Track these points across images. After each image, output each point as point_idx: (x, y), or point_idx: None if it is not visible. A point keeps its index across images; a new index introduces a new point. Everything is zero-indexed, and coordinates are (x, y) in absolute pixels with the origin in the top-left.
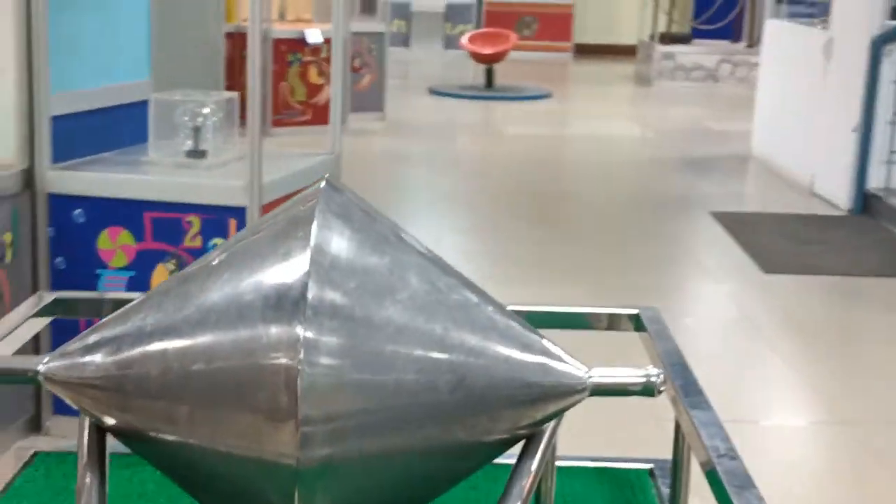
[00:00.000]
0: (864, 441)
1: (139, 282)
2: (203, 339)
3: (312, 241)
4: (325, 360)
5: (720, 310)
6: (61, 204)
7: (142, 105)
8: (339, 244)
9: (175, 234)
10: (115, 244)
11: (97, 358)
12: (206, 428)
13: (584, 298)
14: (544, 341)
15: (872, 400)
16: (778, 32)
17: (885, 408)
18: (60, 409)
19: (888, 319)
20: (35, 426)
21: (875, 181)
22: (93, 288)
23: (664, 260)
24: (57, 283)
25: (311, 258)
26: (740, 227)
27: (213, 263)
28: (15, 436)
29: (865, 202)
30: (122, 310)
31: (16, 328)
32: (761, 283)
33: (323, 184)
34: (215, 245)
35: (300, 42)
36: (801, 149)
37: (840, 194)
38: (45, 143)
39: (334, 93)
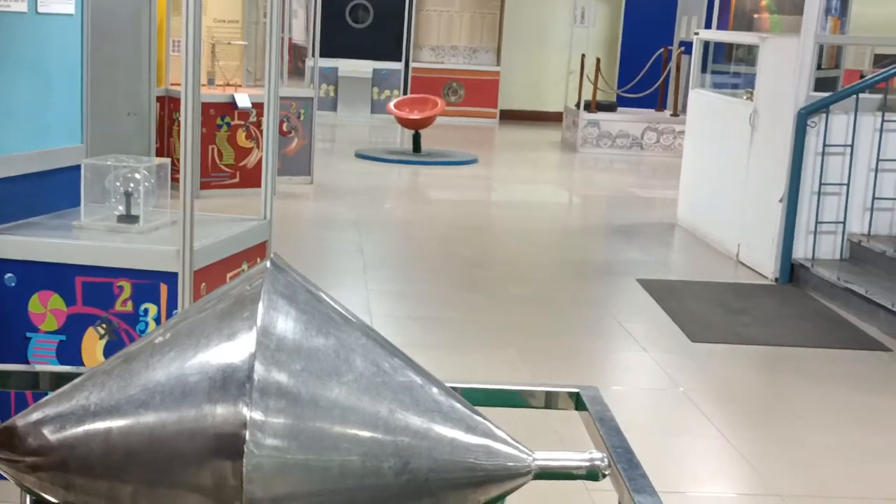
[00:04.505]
0: None
1: (69, 345)
2: (147, 418)
3: (259, 322)
4: (270, 442)
5: (648, 378)
6: None
7: (74, 170)
8: (285, 325)
9: (106, 298)
10: (46, 308)
11: (40, 436)
12: None
13: (511, 365)
14: (488, 423)
15: (802, 472)
16: (702, 102)
17: (815, 480)
18: None
19: (818, 390)
20: None
21: (801, 251)
22: (23, 351)
23: (591, 326)
24: None
25: (258, 339)
26: (667, 294)
27: (157, 342)
28: None
29: (792, 272)
30: (65, 387)
31: None
32: (689, 352)
33: (268, 263)
34: (146, 310)
35: (229, 106)
36: (727, 217)
37: (766, 264)
38: None
39: (266, 159)
